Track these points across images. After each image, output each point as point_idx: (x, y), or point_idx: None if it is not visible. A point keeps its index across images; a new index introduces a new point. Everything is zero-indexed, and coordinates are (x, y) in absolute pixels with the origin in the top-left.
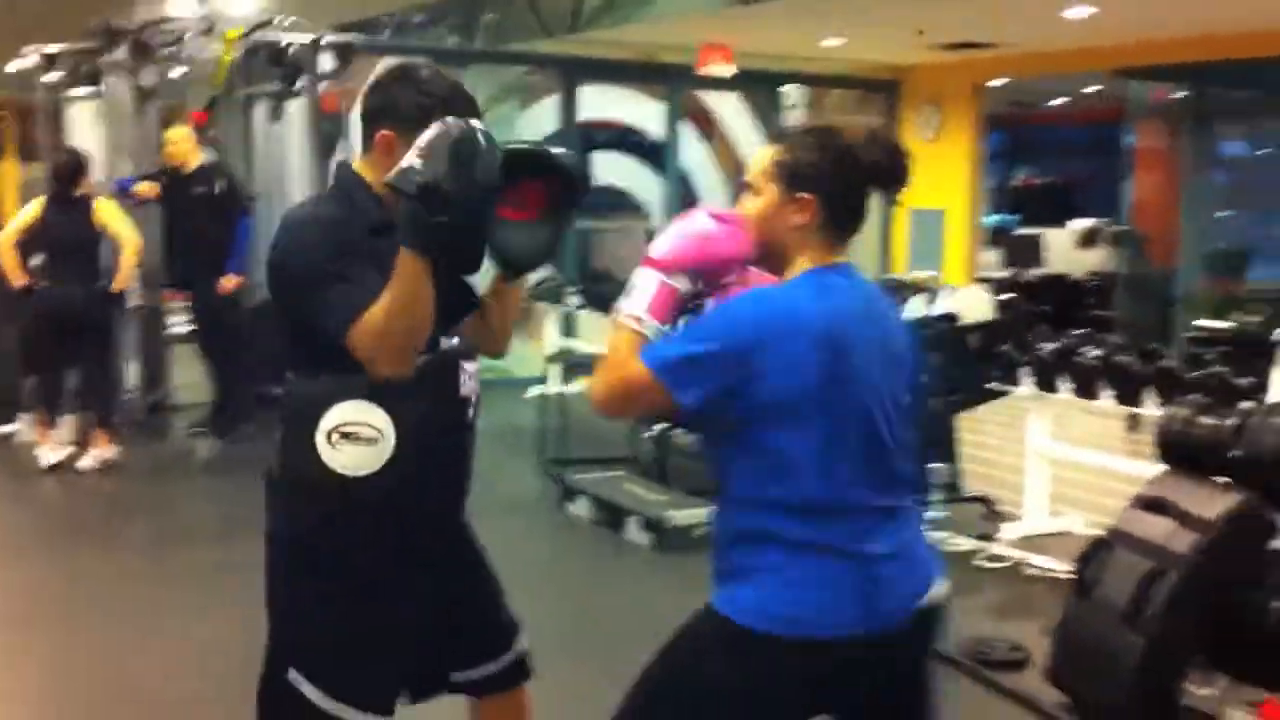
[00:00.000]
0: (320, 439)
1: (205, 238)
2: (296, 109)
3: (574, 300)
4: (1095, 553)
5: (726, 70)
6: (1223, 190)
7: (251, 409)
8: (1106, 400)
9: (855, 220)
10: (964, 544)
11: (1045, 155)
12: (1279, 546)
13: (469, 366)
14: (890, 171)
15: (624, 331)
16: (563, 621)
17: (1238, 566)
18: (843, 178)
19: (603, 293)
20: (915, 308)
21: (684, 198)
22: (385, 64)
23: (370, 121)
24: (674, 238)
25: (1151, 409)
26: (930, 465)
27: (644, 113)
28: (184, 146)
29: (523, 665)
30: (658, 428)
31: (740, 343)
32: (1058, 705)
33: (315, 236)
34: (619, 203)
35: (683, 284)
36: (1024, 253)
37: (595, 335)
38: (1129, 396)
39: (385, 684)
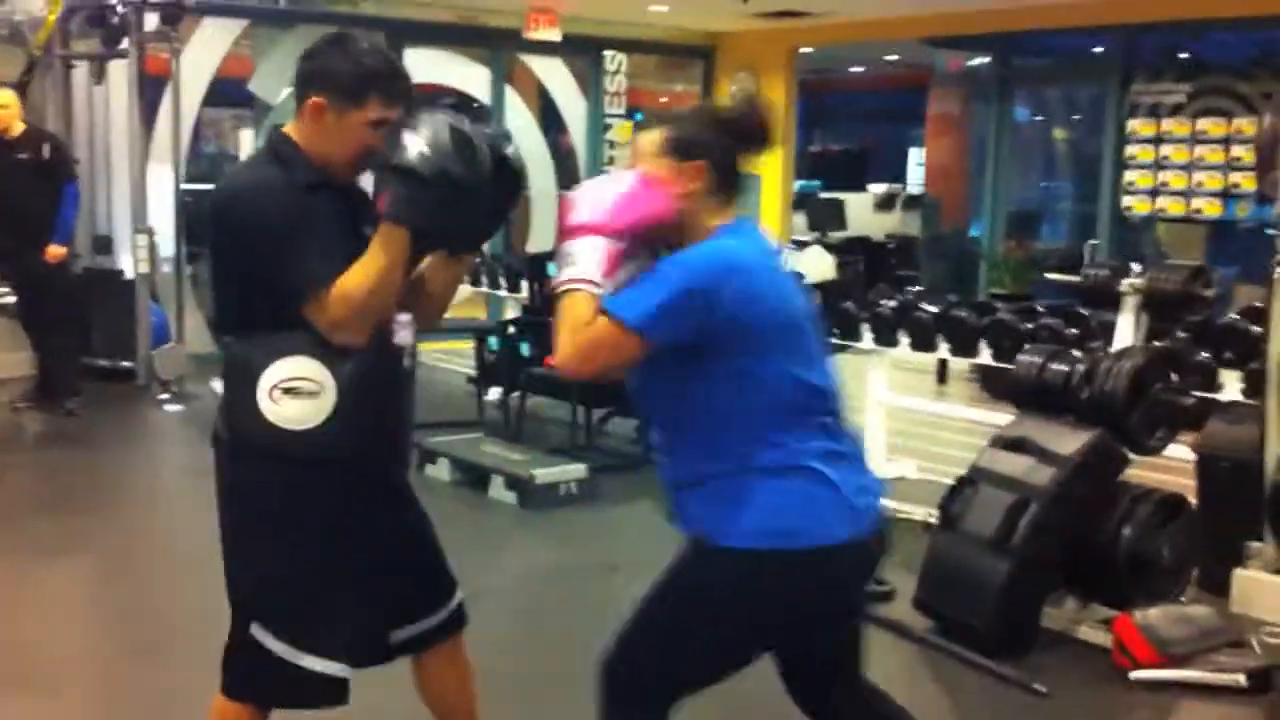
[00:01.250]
0: (261, 395)
1: (31, 206)
2: (119, 72)
3: None
4: (960, 489)
5: (553, 34)
6: (1019, 155)
7: (77, 381)
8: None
9: (738, 181)
10: None
11: (841, 122)
12: (1126, 478)
13: (402, 317)
14: (762, 133)
15: (579, 295)
16: None
17: (1092, 497)
18: (723, 142)
19: None
20: None
21: None
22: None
23: (303, 86)
24: (608, 201)
25: (972, 360)
26: None
27: (469, 77)
28: (11, 111)
29: (461, 613)
30: (495, 392)
31: (701, 283)
32: (928, 630)
33: (273, 201)
34: None
35: (622, 245)
36: (827, 216)
37: None
38: (965, 348)
39: (343, 631)
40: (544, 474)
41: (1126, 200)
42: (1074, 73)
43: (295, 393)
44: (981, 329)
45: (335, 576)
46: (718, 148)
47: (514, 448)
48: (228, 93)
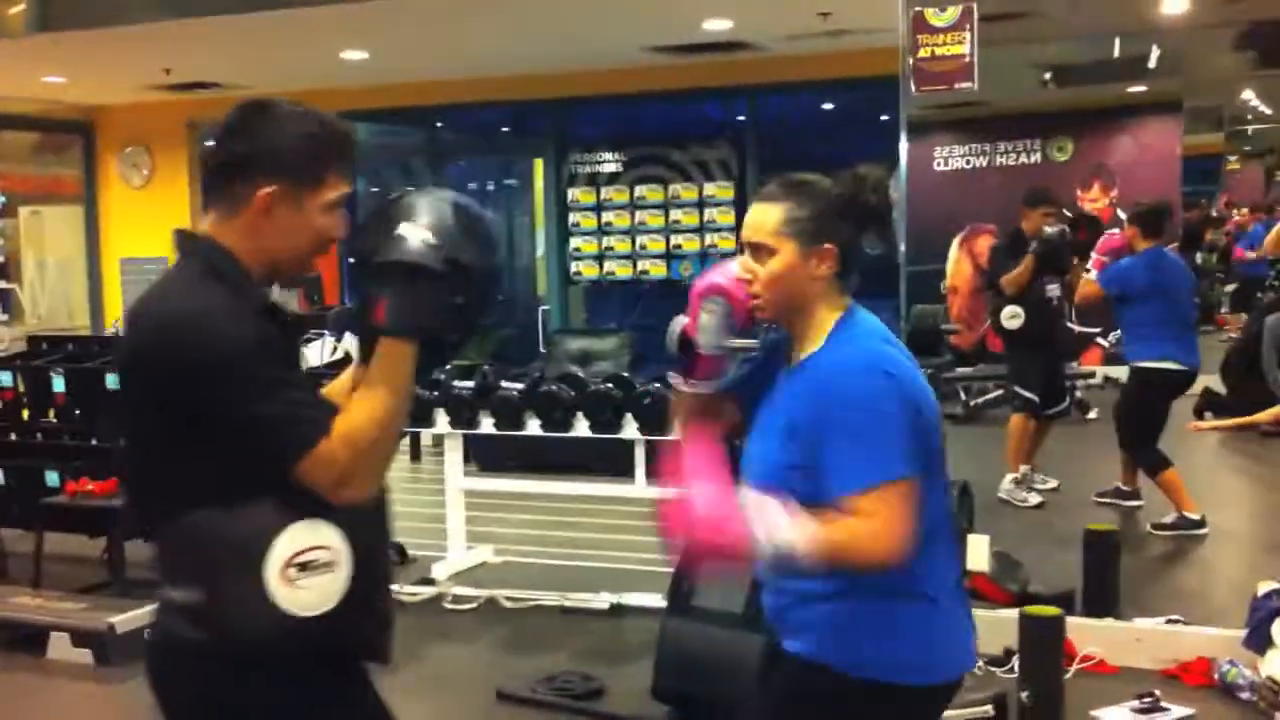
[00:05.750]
0: (272, 579)
1: None
2: None
3: None
4: (688, 572)
5: None
6: None
7: None
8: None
9: (857, 264)
10: (422, 591)
11: None
12: None
13: None
14: (884, 212)
15: (817, 535)
16: None
17: None
18: (851, 224)
19: None
20: (314, 354)
21: None
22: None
23: (239, 173)
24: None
25: (563, 434)
26: None
27: None
28: None
29: None
30: None
31: (903, 410)
32: (665, 718)
33: (236, 331)
34: None
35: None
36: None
37: None
38: (559, 424)
39: None
40: (125, 620)
41: (575, 266)
42: (508, 144)
43: (312, 566)
44: (575, 403)
45: None
46: (848, 228)
47: (62, 595)
48: None
